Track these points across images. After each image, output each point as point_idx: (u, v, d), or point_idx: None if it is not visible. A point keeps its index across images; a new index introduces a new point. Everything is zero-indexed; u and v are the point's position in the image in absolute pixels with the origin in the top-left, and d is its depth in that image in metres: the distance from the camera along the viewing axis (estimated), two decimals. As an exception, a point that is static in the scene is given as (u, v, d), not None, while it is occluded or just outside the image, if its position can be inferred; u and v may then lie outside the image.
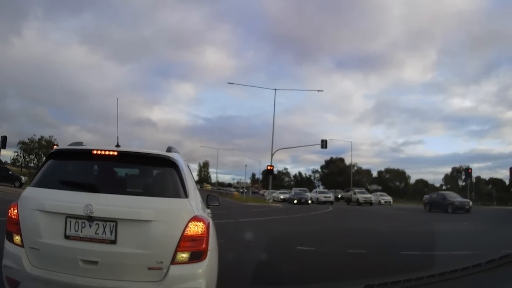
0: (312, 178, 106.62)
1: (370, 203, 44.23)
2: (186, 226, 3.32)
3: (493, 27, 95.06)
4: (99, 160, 3.72)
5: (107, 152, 3.61)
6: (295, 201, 41.32)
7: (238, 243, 9.23)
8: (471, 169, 50.23)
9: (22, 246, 3.34)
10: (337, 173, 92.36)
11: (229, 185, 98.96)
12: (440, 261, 7.65)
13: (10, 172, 35.49)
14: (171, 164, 3.65)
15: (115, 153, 3.62)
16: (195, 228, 3.35)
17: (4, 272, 3.39)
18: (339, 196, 55.94)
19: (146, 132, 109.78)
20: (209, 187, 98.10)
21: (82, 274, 3.17)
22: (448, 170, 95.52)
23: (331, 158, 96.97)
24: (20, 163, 62.42)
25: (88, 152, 3.68)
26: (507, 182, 74.82)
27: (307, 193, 46.75)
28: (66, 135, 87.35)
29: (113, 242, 3.23)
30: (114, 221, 3.25)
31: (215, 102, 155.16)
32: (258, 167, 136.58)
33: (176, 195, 3.49)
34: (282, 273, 6.50)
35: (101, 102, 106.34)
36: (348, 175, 70.57)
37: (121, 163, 3.92)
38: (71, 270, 3.18)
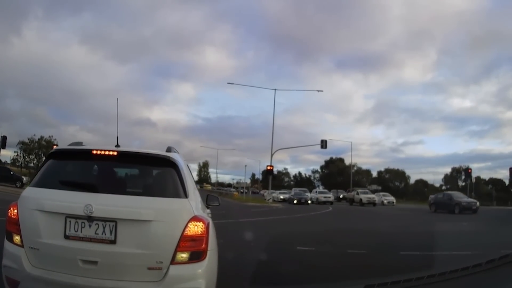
0: (312, 178, 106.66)
1: (374, 204, 43.19)
2: (186, 226, 3.31)
3: (493, 27, 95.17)
4: (99, 160, 3.71)
5: (107, 152, 3.61)
6: (295, 201, 41.31)
7: (238, 243, 9.23)
8: (471, 169, 50.30)
9: (22, 246, 3.33)
10: (337, 173, 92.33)
11: (229, 185, 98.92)
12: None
13: (11, 173, 35.46)
14: (171, 164, 3.65)
15: (115, 153, 3.62)
16: (195, 228, 3.35)
17: (4, 272, 3.39)
18: (341, 196, 55.67)
19: (146, 132, 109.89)
20: (209, 187, 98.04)
21: (81, 274, 3.17)
22: (448, 170, 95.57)
23: (331, 158, 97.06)
24: (20, 163, 62.39)
25: (88, 152, 3.68)
26: (507, 182, 74.82)
27: (307, 193, 46.74)
28: (66, 135, 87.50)
29: (113, 242, 3.23)
30: (114, 221, 3.25)
31: (215, 102, 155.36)
32: (258, 167, 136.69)
33: (176, 195, 3.49)
34: (282, 273, 6.50)
35: (101, 102, 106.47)
36: (348, 175, 70.59)
37: (121, 163, 3.92)
38: (70, 270, 3.18)
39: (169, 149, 4.06)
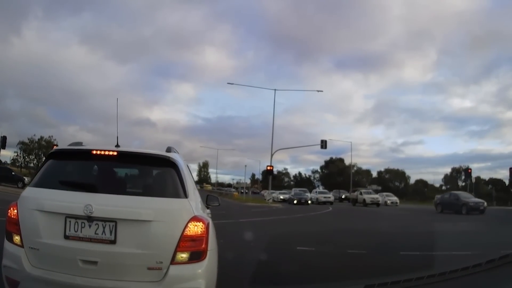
0: (312, 178, 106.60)
1: (377, 204, 42.51)
2: (186, 226, 3.31)
3: (493, 27, 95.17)
4: (99, 160, 3.71)
5: (106, 152, 3.61)
6: (295, 202, 41.31)
7: (238, 243, 9.23)
8: (470, 169, 50.28)
9: (21, 246, 3.33)
10: (336, 173, 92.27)
11: (229, 185, 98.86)
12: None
13: (13, 173, 35.45)
14: (171, 164, 3.65)
15: (115, 153, 3.62)
16: (195, 228, 3.34)
17: (4, 272, 3.39)
18: (343, 196, 55.35)
19: (145, 132, 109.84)
20: (209, 187, 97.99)
21: (81, 274, 3.16)
22: (448, 170, 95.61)
23: (331, 158, 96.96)
24: (20, 163, 62.43)
25: (88, 152, 3.68)
26: (507, 182, 74.82)
27: (306, 194, 46.70)
28: (66, 135, 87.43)
29: (113, 242, 3.23)
30: (114, 221, 3.25)
31: (214, 102, 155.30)
32: (258, 167, 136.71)
33: (176, 195, 3.49)
34: (282, 273, 6.50)
35: (101, 102, 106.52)
36: (348, 175, 70.56)
37: (120, 163, 3.92)
38: (70, 270, 3.18)
39: (169, 149, 4.05)
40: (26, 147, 62.08)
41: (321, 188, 73.18)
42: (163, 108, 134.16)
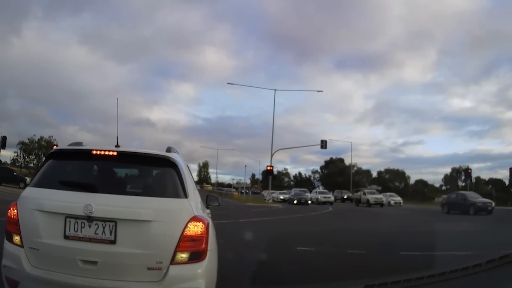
0: (312, 178, 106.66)
1: (381, 204, 41.57)
2: (186, 226, 3.31)
3: (493, 27, 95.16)
4: (99, 160, 3.71)
5: (106, 152, 3.61)
6: (295, 202, 41.30)
7: (238, 243, 9.23)
8: (470, 169, 50.28)
9: (21, 246, 3.33)
10: (336, 173, 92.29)
11: (229, 185, 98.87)
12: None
13: (14, 173, 35.49)
14: (171, 164, 3.65)
15: (115, 153, 3.62)
16: (195, 228, 3.34)
17: (3, 272, 3.39)
18: (345, 197, 55.00)
19: (145, 132, 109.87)
20: (209, 187, 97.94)
21: (81, 274, 3.16)
22: (447, 170, 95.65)
23: (331, 158, 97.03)
24: (20, 163, 62.45)
25: (88, 152, 3.68)
26: (507, 182, 74.78)
27: (306, 194, 46.69)
28: (66, 135, 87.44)
29: (113, 242, 3.23)
30: (114, 221, 3.25)
31: (214, 102, 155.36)
32: (258, 168, 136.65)
33: (176, 195, 3.49)
34: (282, 273, 6.50)
35: (101, 102, 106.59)
36: (348, 175, 70.63)
37: (120, 163, 3.91)
38: (70, 270, 3.18)
39: (169, 149, 4.05)
40: (26, 147, 62.12)
41: (321, 188, 73.14)
42: (163, 108, 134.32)
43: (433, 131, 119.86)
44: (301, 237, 11.75)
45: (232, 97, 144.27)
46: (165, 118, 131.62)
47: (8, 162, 59.50)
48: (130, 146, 4.68)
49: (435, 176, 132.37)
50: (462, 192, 31.53)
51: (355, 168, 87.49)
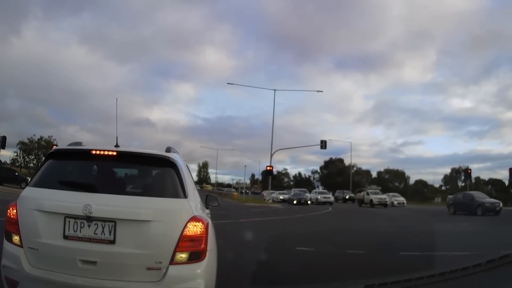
0: (312, 178, 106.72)
1: (385, 205, 41.03)
2: (185, 226, 3.31)
3: (493, 27, 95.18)
4: (98, 160, 3.71)
5: (106, 152, 3.60)
6: (295, 202, 41.28)
7: (238, 244, 9.22)
8: (470, 169, 50.41)
9: (21, 246, 3.33)
10: (336, 173, 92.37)
11: (229, 185, 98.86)
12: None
13: (16, 174, 35.48)
14: (170, 164, 3.64)
15: (114, 153, 3.62)
16: (194, 228, 3.34)
17: (3, 272, 3.38)
18: (347, 197, 54.73)
19: (145, 132, 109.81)
20: (209, 187, 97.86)
21: (81, 274, 3.16)
22: (447, 170, 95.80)
23: (331, 158, 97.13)
24: (20, 163, 62.42)
25: (87, 152, 3.67)
26: (506, 182, 74.86)
27: (306, 194, 46.66)
28: (66, 135, 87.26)
29: (112, 242, 3.22)
30: (113, 221, 3.24)
31: (214, 102, 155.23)
32: (258, 168, 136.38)
33: (175, 195, 3.48)
34: (282, 273, 6.49)
35: (101, 102, 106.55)
36: (348, 175, 70.65)
37: (120, 163, 3.91)
38: (70, 270, 3.17)
39: (168, 149, 4.05)
40: (26, 147, 62.10)
41: (320, 189, 73.11)
42: (163, 108, 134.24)
43: (433, 131, 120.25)
44: (301, 237, 11.75)
45: (232, 97, 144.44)
46: (165, 118, 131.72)
47: (8, 162, 59.60)
48: (130, 146, 4.68)
49: (434, 177, 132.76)
50: (469, 192, 30.64)
51: (354, 169, 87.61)
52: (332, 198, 47.24)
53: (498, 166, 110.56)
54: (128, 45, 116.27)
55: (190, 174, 4.36)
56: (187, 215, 3.37)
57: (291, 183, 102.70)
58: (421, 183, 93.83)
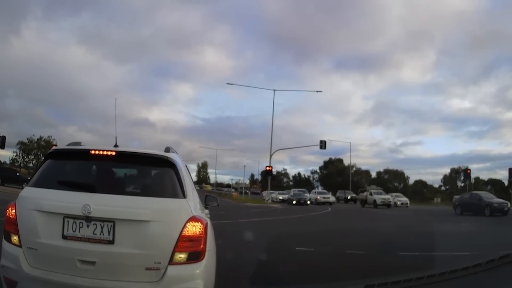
0: (311, 179, 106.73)
1: (388, 205, 40.05)
2: (184, 226, 3.30)
3: (493, 28, 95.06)
4: (97, 160, 3.71)
5: (105, 152, 3.60)
6: (294, 202, 41.28)
7: (237, 244, 9.21)
8: (470, 170, 50.39)
9: (20, 246, 3.32)
10: (336, 173, 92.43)
11: (228, 185, 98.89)
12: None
13: (17, 174, 35.46)
14: (169, 164, 3.64)
15: (113, 153, 3.61)
16: (193, 229, 3.33)
17: (2, 272, 3.38)
18: (349, 197, 54.56)
19: (144, 132, 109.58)
20: (209, 187, 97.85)
21: (80, 274, 3.15)
22: (447, 171, 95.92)
23: (330, 158, 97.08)
24: (19, 163, 62.30)
25: (86, 152, 3.67)
26: (506, 183, 74.90)
27: (305, 194, 46.67)
28: (65, 135, 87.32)
29: (111, 242, 3.22)
30: (112, 221, 3.23)
31: (214, 102, 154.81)
32: (257, 168, 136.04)
33: (174, 195, 3.48)
34: (281, 273, 6.48)
35: (100, 103, 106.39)
36: (347, 175, 70.70)
37: (119, 163, 3.91)
38: (68, 270, 3.17)
39: (167, 149, 4.04)
40: (25, 147, 61.94)
41: (320, 189, 73.11)
42: (162, 109, 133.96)
43: (432, 132, 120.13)
44: (300, 238, 11.75)
45: (231, 98, 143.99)
46: (164, 118, 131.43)
47: (7, 162, 59.57)
48: (129, 146, 4.66)
49: (434, 177, 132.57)
50: (477, 192, 30.09)
51: (354, 169, 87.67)
52: (331, 198, 47.16)
53: (498, 166, 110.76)
54: (128, 45, 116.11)
55: (189, 174, 4.35)
56: (186, 215, 3.36)
57: (291, 183, 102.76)
58: (420, 183, 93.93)
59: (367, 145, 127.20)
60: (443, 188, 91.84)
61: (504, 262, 5.21)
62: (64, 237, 3.24)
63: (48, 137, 62.87)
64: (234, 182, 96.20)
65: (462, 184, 77.15)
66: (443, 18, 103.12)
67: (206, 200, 5.28)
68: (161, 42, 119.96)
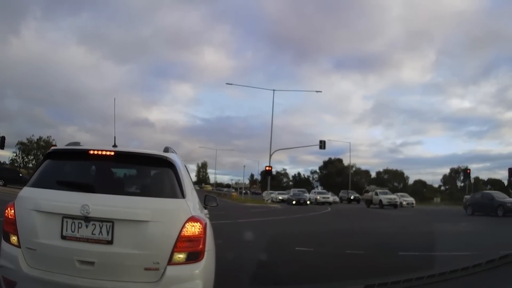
0: (311, 178, 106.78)
1: (395, 206, 38.85)
2: (183, 226, 3.29)
3: (492, 28, 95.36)
4: (96, 160, 3.70)
5: (104, 152, 3.59)
6: (294, 202, 41.25)
7: (237, 244, 9.21)
8: (469, 169, 50.31)
9: (18, 246, 3.31)
10: (335, 173, 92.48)
11: (227, 185, 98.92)
12: None
13: (20, 175, 35.44)
14: (168, 165, 3.63)
15: (112, 153, 3.60)
16: (192, 229, 3.32)
17: (0, 272, 3.37)
18: (352, 197, 54.29)
19: (144, 132, 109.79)
20: (209, 187, 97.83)
21: (78, 275, 3.15)
22: (446, 170, 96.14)
23: (330, 158, 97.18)
24: (19, 163, 62.25)
25: (85, 152, 3.66)
26: (505, 182, 74.92)
27: (305, 194, 46.65)
28: (64, 135, 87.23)
29: (110, 242, 3.21)
30: (111, 221, 3.23)
31: (213, 102, 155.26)
32: (257, 168, 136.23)
33: (173, 195, 3.47)
34: (281, 273, 6.48)
35: (99, 103, 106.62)
36: (347, 175, 70.66)
37: (118, 163, 3.89)
38: (67, 270, 3.16)
39: (166, 149, 4.03)
40: (25, 148, 61.90)
41: (320, 189, 73.09)
42: (161, 109, 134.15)
43: (432, 132, 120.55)
44: (300, 238, 11.74)
45: (231, 98, 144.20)
46: (164, 118, 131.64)
47: (7, 162, 59.52)
48: (129, 146, 4.66)
49: (434, 177, 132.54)
50: (489, 192, 29.33)
51: (354, 169, 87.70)
52: (331, 198, 47.18)
53: (497, 166, 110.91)
54: (127, 45, 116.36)
55: (188, 174, 4.34)
56: (185, 215, 3.35)
57: (290, 183, 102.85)
58: (420, 183, 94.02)
59: (366, 145, 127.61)
60: (442, 188, 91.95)
61: (504, 262, 5.20)
62: (63, 237, 3.23)
63: (47, 137, 62.89)
64: (233, 182, 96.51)
65: (462, 184, 77.20)
66: (443, 18, 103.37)
67: (205, 200, 5.27)
68: (160, 42, 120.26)
